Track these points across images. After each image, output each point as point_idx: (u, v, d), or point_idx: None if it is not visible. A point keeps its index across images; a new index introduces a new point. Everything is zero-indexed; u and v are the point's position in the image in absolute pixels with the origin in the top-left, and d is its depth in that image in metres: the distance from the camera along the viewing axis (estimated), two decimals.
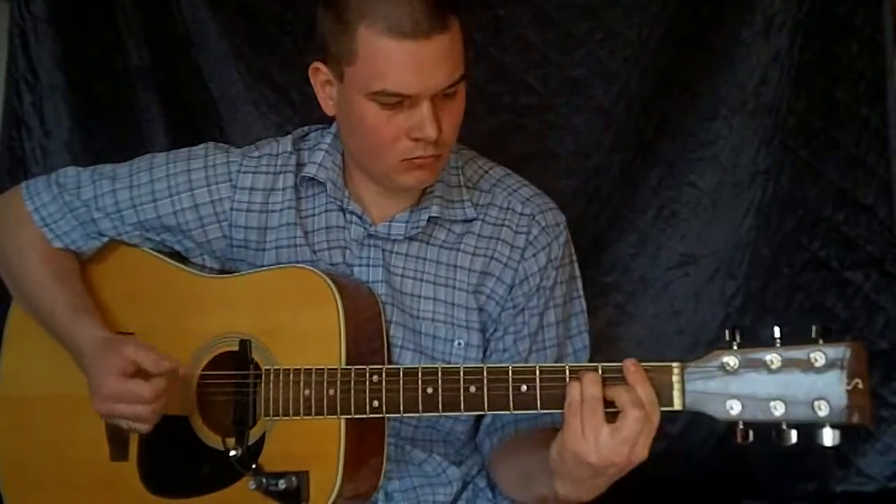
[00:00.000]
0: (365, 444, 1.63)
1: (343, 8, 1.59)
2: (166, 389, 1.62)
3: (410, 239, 1.76)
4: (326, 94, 1.69)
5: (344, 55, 1.60)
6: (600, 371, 1.46)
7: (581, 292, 1.85)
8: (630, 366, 1.44)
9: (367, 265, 1.76)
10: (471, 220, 1.77)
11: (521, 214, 1.78)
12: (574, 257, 1.84)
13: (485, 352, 1.79)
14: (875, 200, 2.39)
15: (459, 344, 1.76)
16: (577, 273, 1.85)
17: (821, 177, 2.41)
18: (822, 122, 2.41)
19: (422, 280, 1.76)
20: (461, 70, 1.61)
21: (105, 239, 1.83)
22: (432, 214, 1.74)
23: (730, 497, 2.36)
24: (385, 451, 1.67)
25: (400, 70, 1.56)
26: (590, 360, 1.83)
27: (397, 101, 1.58)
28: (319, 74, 1.68)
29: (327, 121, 1.79)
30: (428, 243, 1.77)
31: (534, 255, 1.77)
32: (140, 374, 1.62)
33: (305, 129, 1.87)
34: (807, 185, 2.42)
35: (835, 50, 2.40)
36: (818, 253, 2.42)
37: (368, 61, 1.58)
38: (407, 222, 1.75)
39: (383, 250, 1.76)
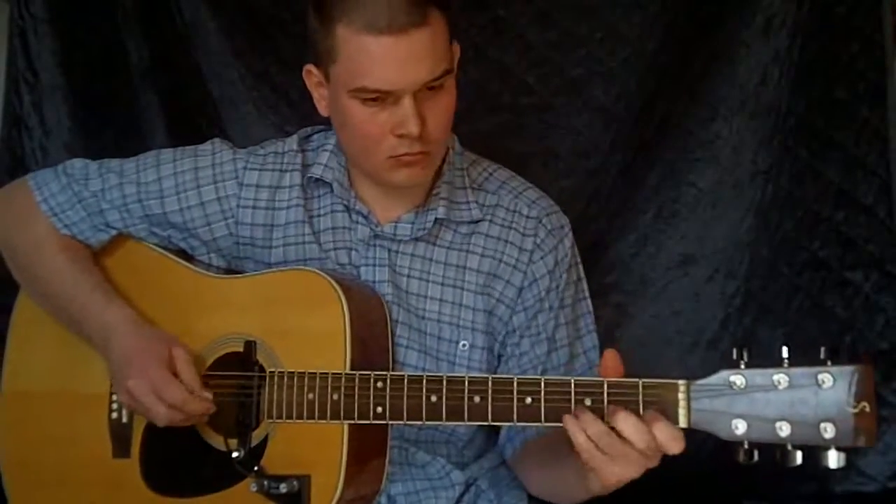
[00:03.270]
0: (368, 450, 1.63)
1: (324, 7, 1.59)
2: (187, 413, 1.64)
3: (417, 239, 1.76)
4: (320, 95, 1.70)
5: (328, 54, 1.61)
6: (605, 386, 1.46)
7: (587, 294, 1.85)
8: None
9: (374, 265, 1.76)
10: (477, 221, 1.78)
11: (528, 217, 1.78)
12: (579, 259, 1.84)
13: (499, 357, 1.80)
14: (875, 200, 2.39)
15: (464, 346, 1.76)
16: (583, 275, 1.85)
17: (821, 177, 2.41)
18: (822, 122, 2.40)
19: (428, 281, 1.76)
20: (445, 65, 1.59)
21: (113, 232, 1.82)
22: (438, 216, 1.74)
23: (730, 497, 2.36)
24: (388, 456, 1.67)
25: (378, 66, 1.55)
26: None
27: (379, 98, 1.58)
28: (312, 76, 1.69)
29: (328, 122, 1.79)
30: (435, 244, 1.77)
31: (542, 258, 1.77)
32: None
33: (309, 129, 1.87)
34: (807, 185, 2.42)
35: (835, 50, 2.40)
36: (818, 253, 2.41)
37: (348, 59, 1.58)
38: (413, 223, 1.75)
39: (389, 250, 1.76)
